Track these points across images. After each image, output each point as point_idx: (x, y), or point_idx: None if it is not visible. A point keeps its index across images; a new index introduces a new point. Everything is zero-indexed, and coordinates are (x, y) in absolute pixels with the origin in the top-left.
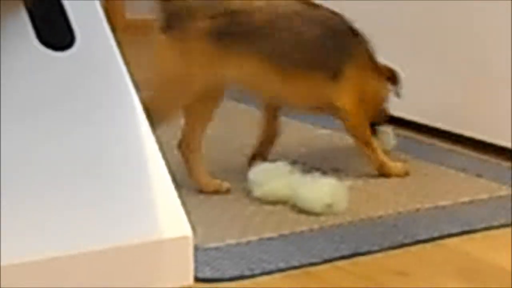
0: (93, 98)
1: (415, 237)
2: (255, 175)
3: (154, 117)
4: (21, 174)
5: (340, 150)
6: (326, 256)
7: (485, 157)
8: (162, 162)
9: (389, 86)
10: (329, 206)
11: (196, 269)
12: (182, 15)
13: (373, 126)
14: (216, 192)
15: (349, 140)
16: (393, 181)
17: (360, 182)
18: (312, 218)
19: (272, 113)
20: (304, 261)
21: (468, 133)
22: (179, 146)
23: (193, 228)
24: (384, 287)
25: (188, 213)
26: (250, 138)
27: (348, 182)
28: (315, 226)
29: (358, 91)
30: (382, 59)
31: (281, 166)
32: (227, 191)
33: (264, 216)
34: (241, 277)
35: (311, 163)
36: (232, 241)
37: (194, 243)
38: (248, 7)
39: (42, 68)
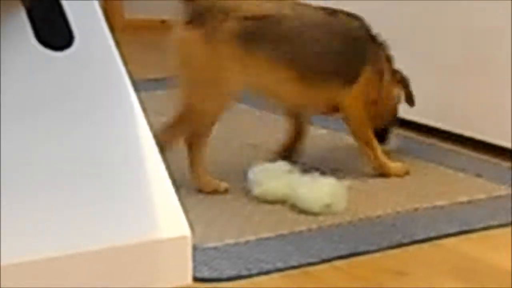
0: (92, 98)
1: (414, 237)
2: (255, 174)
3: (193, 117)
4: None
5: (339, 150)
6: (324, 256)
7: (484, 157)
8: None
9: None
10: (328, 206)
11: (194, 269)
12: (210, 15)
13: (385, 130)
14: (215, 192)
15: (348, 140)
16: (392, 181)
17: (359, 182)
18: (310, 218)
19: (294, 116)
20: (303, 261)
21: (467, 133)
22: (186, 142)
23: (192, 228)
24: (382, 287)
25: (186, 213)
26: (250, 138)
27: (347, 182)
28: (314, 226)
29: (367, 93)
30: None
31: (281, 166)
32: (226, 191)
33: (262, 216)
34: (239, 277)
35: (310, 163)
36: (231, 241)
37: (192, 243)
38: (277, 14)
39: (41, 68)
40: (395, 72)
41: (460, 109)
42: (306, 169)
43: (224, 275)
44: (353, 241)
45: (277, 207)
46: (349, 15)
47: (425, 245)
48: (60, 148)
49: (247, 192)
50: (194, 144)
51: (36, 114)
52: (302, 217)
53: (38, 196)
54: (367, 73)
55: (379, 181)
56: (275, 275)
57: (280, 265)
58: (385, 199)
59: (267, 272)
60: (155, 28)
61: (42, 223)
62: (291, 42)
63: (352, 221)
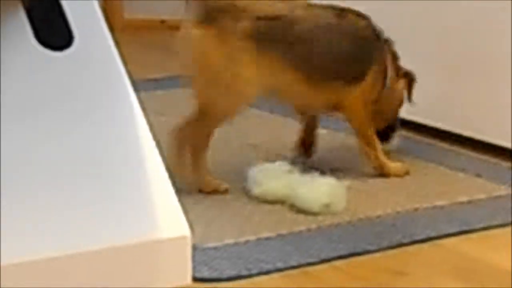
0: (92, 98)
1: (413, 237)
2: (254, 174)
3: (208, 116)
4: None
5: (339, 150)
6: (324, 256)
7: (484, 157)
8: (160, 162)
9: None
10: (327, 206)
11: (194, 268)
12: (222, 14)
13: (389, 129)
14: (215, 192)
15: (348, 140)
16: (391, 181)
17: (358, 182)
18: (310, 218)
19: (305, 113)
20: (302, 261)
21: (467, 133)
22: (173, 135)
23: (191, 228)
24: (382, 287)
25: (186, 213)
26: (250, 138)
27: (346, 182)
28: (313, 226)
29: (371, 92)
30: None
31: (280, 166)
32: (226, 191)
33: (262, 216)
34: (239, 277)
35: (310, 163)
36: (230, 241)
37: (192, 243)
38: (289, 14)
39: (40, 68)
40: (399, 69)
41: (460, 109)
42: (306, 169)
43: (224, 275)
44: (353, 241)
45: (277, 207)
46: (357, 14)
47: (425, 245)
48: (60, 148)
49: (247, 192)
50: (196, 144)
51: (36, 114)
52: (302, 217)
53: (38, 196)
54: (373, 73)
55: (379, 181)
56: (275, 275)
57: (280, 265)
58: (385, 199)
59: (267, 272)
60: (154, 28)
61: (42, 223)
62: (302, 43)
63: (351, 221)
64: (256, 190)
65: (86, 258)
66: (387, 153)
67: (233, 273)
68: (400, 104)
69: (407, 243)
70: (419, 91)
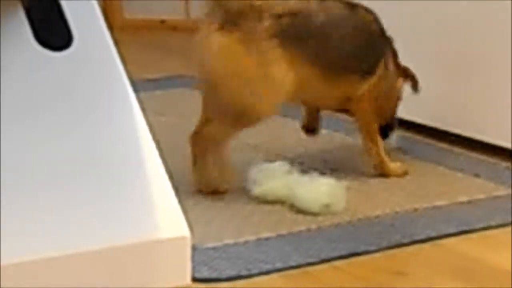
0: (91, 98)
1: (413, 237)
2: (254, 174)
3: (245, 118)
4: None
5: (338, 150)
6: (323, 256)
7: (483, 157)
8: (160, 162)
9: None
10: (327, 206)
11: (193, 269)
12: (243, 16)
13: (388, 127)
14: (214, 192)
15: (348, 140)
16: (391, 181)
17: (358, 182)
18: (309, 218)
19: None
20: (302, 261)
21: (466, 133)
22: (192, 139)
23: (191, 228)
24: (381, 287)
25: (185, 213)
26: (250, 138)
27: (346, 182)
28: (313, 226)
29: (377, 88)
30: None
31: (280, 166)
32: (225, 191)
33: (261, 216)
34: (239, 277)
35: (309, 163)
36: (230, 241)
37: (191, 243)
38: (306, 9)
39: (40, 68)
40: (399, 67)
41: (459, 109)
42: (305, 169)
43: (224, 275)
44: (352, 241)
45: (277, 207)
46: (365, 9)
47: (424, 245)
48: (60, 148)
49: (246, 192)
50: (198, 144)
51: (36, 114)
52: (301, 217)
53: (38, 196)
54: (381, 68)
55: (378, 181)
56: (274, 275)
57: (279, 265)
58: (384, 199)
59: (267, 272)
60: (154, 28)
61: (42, 223)
62: (319, 37)
63: (351, 221)
64: (256, 190)
65: (85, 258)
66: (387, 153)
67: (232, 273)
68: (398, 101)
69: (406, 243)
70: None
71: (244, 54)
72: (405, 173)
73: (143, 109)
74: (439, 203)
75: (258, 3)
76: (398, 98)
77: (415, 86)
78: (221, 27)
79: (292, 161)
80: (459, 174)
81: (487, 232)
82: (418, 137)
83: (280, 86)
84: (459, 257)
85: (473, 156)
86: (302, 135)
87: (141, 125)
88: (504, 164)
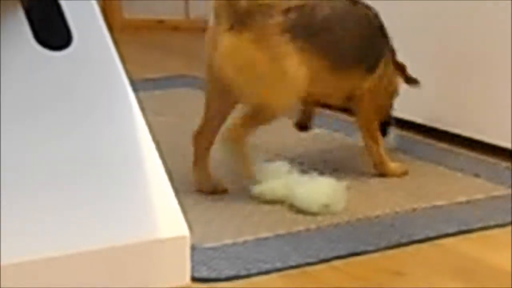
0: (90, 98)
1: (412, 237)
2: (254, 174)
3: (264, 115)
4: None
5: (338, 150)
6: (322, 256)
7: (482, 157)
8: (159, 162)
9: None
10: (326, 206)
11: (193, 268)
12: (254, 14)
13: (385, 124)
14: (214, 192)
15: (347, 140)
16: (390, 181)
17: (357, 182)
18: (309, 218)
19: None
20: (301, 261)
21: (466, 133)
22: (195, 138)
23: (190, 228)
24: (380, 287)
25: (185, 213)
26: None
27: (346, 182)
28: (312, 226)
29: (379, 85)
30: None
31: (280, 166)
32: (225, 191)
33: (261, 216)
34: (238, 277)
35: (309, 163)
36: (229, 241)
37: (191, 242)
38: (310, 2)
39: (39, 68)
40: (396, 64)
41: (459, 109)
42: (305, 169)
43: (223, 275)
44: (352, 241)
45: (276, 207)
46: (366, 5)
47: (423, 245)
48: (59, 148)
49: (246, 192)
50: (201, 143)
51: (35, 114)
52: (301, 217)
53: (38, 196)
54: (383, 64)
55: (378, 181)
56: (273, 275)
57: (278, 265)
58: (383, 199)
59: (266, 272)
60: (153, 28)
61: (42, 223)
62: (326, 29)
63: (350, 221)
64: (256, 190)
65: (85, 258)
66: (387, 153)
67: (231, 273)
68: (395, 98)
69: (405, 243)
70: (418, 91)
71: (257, 53)
72: (404, 173)
73: (143, 109)
74: (439, 203)
75: (266, 1)
76: (396, 95)
77: (413, 82)
78: (231, 28)
79: (292, 161)
80: (459, 174)
81: (487, 232)
82: (418, 137)
83: (295, 81)
84: (459, 257)
85: (473, 156)
86: (302, 135)
87: (141, 125)
88: (504, 164)
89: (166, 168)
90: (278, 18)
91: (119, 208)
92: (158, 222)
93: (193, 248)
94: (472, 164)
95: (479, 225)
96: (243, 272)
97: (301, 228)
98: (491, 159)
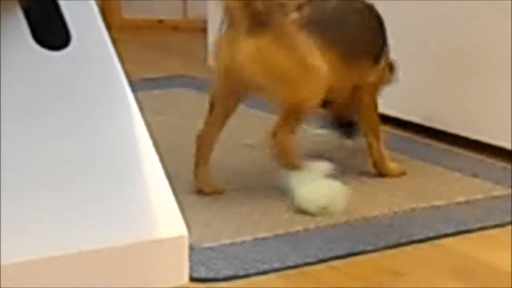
0: (89, 97)
1: (411, 237)
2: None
3: (296, 112)
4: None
5: (338, 151)
6: (321, 256)
7: (481, 157)
8: (157, 162)
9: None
10: (325, 208)
11: (191, 268)
12: (270, 15)
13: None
14: (212, 192)
15: (346, 140)
16: (388, 181)
17: (356, 182)
18: (307, 218)
19: None
20: (299, 261)
21: (464, 133)
22: (198, 140)
23: (189, 228)
24: (379, 287)
25: (183, 213)
26: (247, 138)
27: (345, 182)
28: (311, 226)
29: (381, 77)
30: None
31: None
32: (223, 191)
33: (259, 216)
34: (236, 277)
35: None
36: (227, 241)
37: (189, 242)
38: None
39: (38, 68)
40: (388, 59)
41: (457, 109)
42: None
43: (221, 275)
44: (350, 241)
45: (275, 207)
46: (365, 3)
47: (422, 245)
48: (57, 148)
49: (244, 193)
50: (204, 145)
51: (33, 114)
52: (299, 217)
53: (38, 196)
54: (384, 57)
55: (377, 181)
56: (272, 275)
57: (277, 265)
58: (382, 199)
59: (264, 272)
60: (152, 28)
61: (42, 223)
62: (335, 21)
63: (349, 221)
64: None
65: (84, 258)
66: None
67: (230, 273)
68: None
69: (404, 243)
70: (417, 91)
71: (281, 52)
72: (403, 173)
73: (141, 109)
74: (438, 203)
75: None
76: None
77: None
78: (250, 31)
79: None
80: (458, 174)
81: (486, 232)
82: (417, 137)
83: (322, 74)
84: (458, 257)
85: (472, 156)
86: (302, 134)
87: (139, 125)
88: (503, 164)
89: (165, 168)
90: (294, 15)
91: (118, 208)
92: (157, 222)
93: (191, 248)
94: (471, 164)
95: (478, 225)
96: (241, 272)
97: (299, 228)
98: (490, 159)
